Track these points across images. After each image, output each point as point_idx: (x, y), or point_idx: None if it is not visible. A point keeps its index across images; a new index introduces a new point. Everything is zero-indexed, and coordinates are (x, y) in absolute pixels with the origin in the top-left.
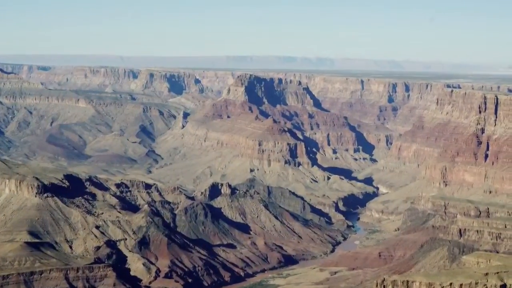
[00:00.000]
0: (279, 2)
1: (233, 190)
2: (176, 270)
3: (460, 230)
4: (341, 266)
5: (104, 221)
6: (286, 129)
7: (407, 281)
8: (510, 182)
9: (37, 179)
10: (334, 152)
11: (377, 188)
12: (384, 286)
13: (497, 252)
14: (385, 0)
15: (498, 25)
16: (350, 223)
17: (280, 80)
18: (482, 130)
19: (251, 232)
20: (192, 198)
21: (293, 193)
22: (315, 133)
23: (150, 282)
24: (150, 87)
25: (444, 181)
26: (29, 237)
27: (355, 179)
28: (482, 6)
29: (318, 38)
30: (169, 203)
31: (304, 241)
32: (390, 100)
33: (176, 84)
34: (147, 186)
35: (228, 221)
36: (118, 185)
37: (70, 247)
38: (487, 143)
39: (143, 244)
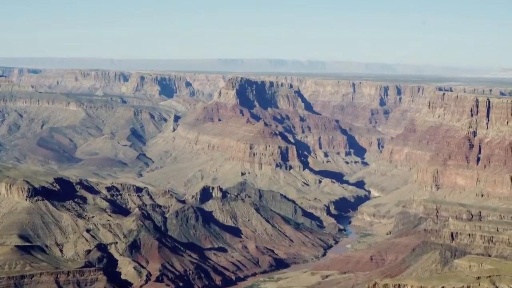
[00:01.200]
0: (270, 5)
1: (224, 193)
2: (167, 273)
3: (452, 233)
4: (333, 270)
5: (95, 225)
6: (277, 132)
7: (399, 285)
8: (502, 185)
9: (27, 182)
10: (326, 155)
11: (369, 192)
12: None
13: (489, 256)
14: (377, 3)
15: (490, 28)
16: (341, 227)
17: (271, 83)
18: (474, 133)
19: (242, 236)
20: (183, 202)
21: (285, 197)
22: (307, 136)
23: (141, 286)
24: (141, 90)
25: (436, 185)
26: (20, 240)
27: (347, 182)
28: (474, 9)
29: (309, 41)
30: (160, 206)
31: (295, 245)
32: (382, 103)
33: (167, 87)
34: (138, 190)
35: (219, 224)
36: (108, 189)
37: (61, 250)
38: (479, 146)
39: (134, 247)
